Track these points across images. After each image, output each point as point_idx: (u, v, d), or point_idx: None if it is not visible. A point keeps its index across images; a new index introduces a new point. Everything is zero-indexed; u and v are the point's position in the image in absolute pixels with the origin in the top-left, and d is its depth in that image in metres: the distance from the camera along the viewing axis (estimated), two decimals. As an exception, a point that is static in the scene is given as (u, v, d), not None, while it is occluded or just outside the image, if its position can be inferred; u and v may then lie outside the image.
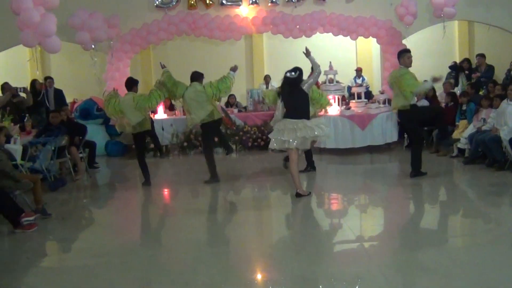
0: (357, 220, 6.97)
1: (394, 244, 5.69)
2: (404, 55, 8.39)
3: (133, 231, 6.99)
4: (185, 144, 12.08)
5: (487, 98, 9.58)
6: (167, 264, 5.37)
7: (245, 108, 13.31)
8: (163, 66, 9.05)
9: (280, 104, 7.67)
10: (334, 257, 5.48)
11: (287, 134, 7.30)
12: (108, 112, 8.90)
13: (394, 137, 11.25)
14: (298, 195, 7.52)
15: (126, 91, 8.88)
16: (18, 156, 8.15)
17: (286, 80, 7.55)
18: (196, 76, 8.97)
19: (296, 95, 7.45)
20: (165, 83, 8.78)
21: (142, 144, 9.18)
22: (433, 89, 11.64)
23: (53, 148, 8.95)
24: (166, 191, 9.14)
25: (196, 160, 11.29)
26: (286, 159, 8.34)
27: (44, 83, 13.24)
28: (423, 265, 4.96)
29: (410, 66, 8.36)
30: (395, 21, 12.79)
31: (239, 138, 12.06)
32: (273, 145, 7.52)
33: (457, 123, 10.17)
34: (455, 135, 9.94)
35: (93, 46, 11.75)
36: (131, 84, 8.93)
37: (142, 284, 4.87)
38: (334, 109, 11.18)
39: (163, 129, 12.17)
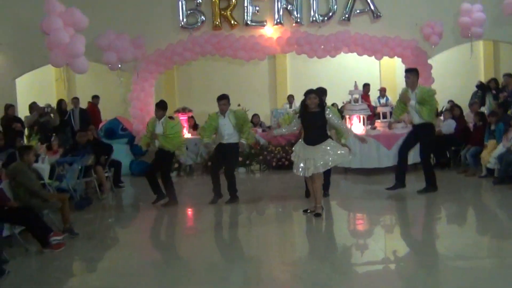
0: (382, 240, 6.86)
1: (421, 265, 5.56)
2: None
3: (158, 251, 6.98)
4: (209, 163, 12.05)
5: (516, 118, 9.45)
6: (192, 284, 5.32)
7: (269, 127, 13.28)
8: None
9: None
10: (360, 278, 5.37)
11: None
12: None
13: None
14: (318, 214, 7.50)
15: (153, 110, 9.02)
16: (45, 175, 8.23)
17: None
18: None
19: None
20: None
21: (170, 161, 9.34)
22: (460, 109, 11.56)
23: (79, 167, 9.01)
24: (190, 211, 9.12)
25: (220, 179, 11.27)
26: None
27: (92, 101, 13.69)
28: (452, 286, 4.83)
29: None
30: (421, 41, 12.73)
31: (263, 158, 12.02)
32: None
33: (485, 143, 10.01)
34: (484, 155, 9.78)
35: (119, 66, 11.89)
36: (166, 107, 9.01)
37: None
38: (359, 129, 11.09)
39: (187, 148, 12.17)
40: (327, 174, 8.18)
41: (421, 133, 8.62)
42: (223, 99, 8.70)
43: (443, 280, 5.10)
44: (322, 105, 7.48)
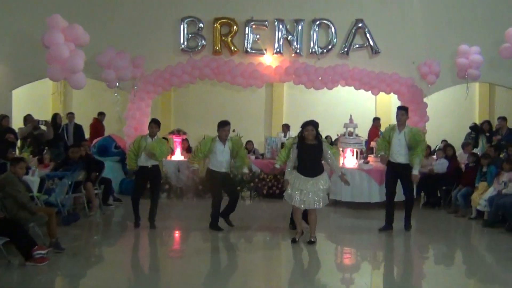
0: (368, 276, 6.81)
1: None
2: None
3: (142, 272, 6.92)
4: (200, 187, 12.02)
5: (508, 161, 9.48)
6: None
7: (262, 155, 13.30)
8: None
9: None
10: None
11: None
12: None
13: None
14: (311, 242, 7.69)
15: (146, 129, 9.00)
16: (35, 188, 8.19)
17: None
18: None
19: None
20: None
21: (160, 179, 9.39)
22: (453, 149, 11.61)
23: (69, 182, 8.96)
24: (177, 233, 9.06)
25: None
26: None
27: (98, 118, 14.04)
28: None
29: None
30: (417, 79, 12.85)
31: (254, 185, 11.99)
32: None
33: (476, 184, 10.04)
34: (474, 196, 9.79)
35: (117, 84, 11.93)
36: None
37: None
38: (352, 162, 11.12)
39: (179, 170, 12.18)
40: None
41: (405, 173, 8.56)
42: (228, 124, 8.50)
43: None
44: (318, 137, 7.60)
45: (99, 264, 7.20)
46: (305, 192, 7.49)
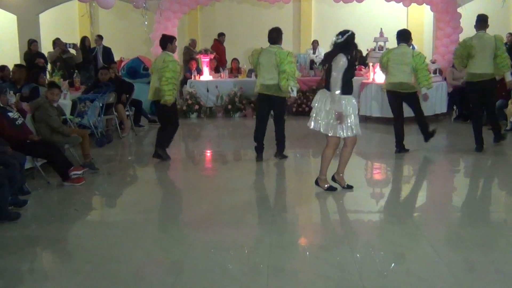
0: (398, 190, 6.84)
1: (440, 217, 5.57)
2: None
3: (176, 189, 7.10)
4: (229, 106, 12.07)
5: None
6: (210, 220, 5.39)
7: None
8: None
9: None
10: (377, 226, 5.41)
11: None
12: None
13: (443, 109, 10.99)
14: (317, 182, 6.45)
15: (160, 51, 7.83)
16: (67, 111, 8.33)
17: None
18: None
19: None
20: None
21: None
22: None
23: (101, 105, 9.09)
24: (208, 153, 9.20)
25: (240, 123, 11.32)
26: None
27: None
28: (472, 239, 4.83)
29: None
30: (451, -12, 12.35)
31: (284, 103, 11.94)
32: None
33: (512, 96, 9.84)
34: (510, 107, 9.60)
35: (144, 4, 11.78)
36: (165, 42, 7.74)
37: (186, 239, 4.93)
38: (381, 77, 10.92)
39: (208, 90, 12.20)
40: None
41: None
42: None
43: (465, 232, 5.06)
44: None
45: (135, 183, 7.43)
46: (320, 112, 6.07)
